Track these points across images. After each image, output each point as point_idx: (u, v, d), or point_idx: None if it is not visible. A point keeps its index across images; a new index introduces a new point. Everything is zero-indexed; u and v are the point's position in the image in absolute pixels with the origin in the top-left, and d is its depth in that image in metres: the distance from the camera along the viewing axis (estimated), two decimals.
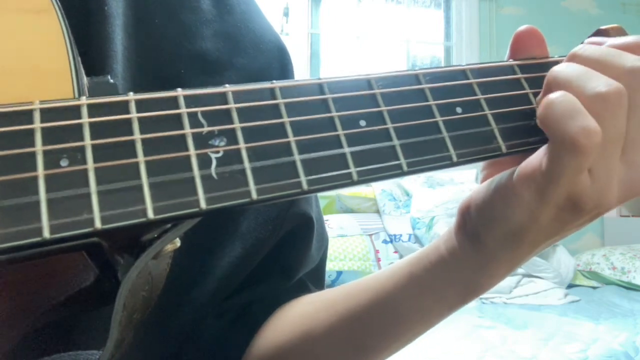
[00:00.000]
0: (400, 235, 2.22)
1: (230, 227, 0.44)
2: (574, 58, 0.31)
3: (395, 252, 2.23)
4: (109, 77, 0.27)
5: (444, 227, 2.15)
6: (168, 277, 0.34)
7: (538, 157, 0.29)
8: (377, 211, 2.38)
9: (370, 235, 2.24)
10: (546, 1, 2.97)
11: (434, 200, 2.28)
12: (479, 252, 0.33)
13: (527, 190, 0.29)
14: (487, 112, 0.31)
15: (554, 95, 0.28)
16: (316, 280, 0.51)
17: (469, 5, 2.89)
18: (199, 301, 0.43)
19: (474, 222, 0.33)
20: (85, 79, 0.27)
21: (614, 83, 0.28)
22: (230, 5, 0.46)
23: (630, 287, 2.16)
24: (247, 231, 0.44)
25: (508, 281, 2.07)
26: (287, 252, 0.47)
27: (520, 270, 2.16)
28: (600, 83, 0.28)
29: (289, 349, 0.42)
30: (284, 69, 0.48)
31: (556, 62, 0.32)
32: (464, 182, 2.43)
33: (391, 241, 2.24)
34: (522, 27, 0.34)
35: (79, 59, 0.27)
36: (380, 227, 2.28)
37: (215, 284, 0.43)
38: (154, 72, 0.40)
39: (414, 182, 2.44)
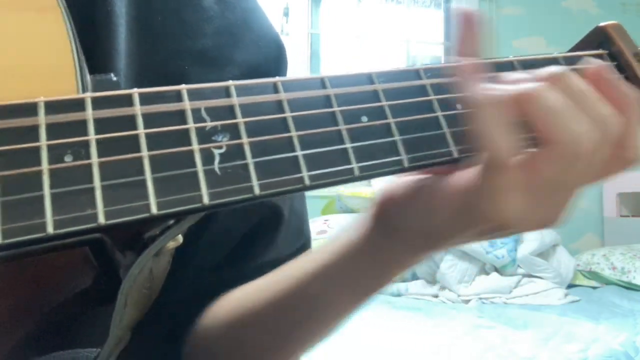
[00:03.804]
0: None
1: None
2: (557, 82, 0.29)
3: None
4: (112, 75, 0.27)
5: None
6: None
7: (473, 173, 0.29)
8: None
9: None
10: (546, 1, 2.97)
11: None
12: (396, 243, 0.33)
13: (457, 202, 0.29)
14: None
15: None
16: None
17: (469, 6, 2.89)
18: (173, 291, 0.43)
19: (394, 216, 0.33)
20: (88, 77, 0.27)
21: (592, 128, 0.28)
22: (232, 2, 0.46)
23: (630, 287, 2.16)
24: (215, 221, 0.44)
25: (508, 281, 2.07)
26: (254, 244, 0.47)
27: (520, 270, 2.16)
28: (584, 124, 0.28)
29: (221, 335, 0.41)
30: (278, 68, 0.48)
31: (554, 60, 0.32)
32: None
33: None
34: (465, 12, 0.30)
35: (83, 57, 0.28)
36: None
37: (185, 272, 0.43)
38: (157, 70, 0.41)
39: None
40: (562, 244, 2.34)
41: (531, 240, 2.20)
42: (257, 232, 0.47)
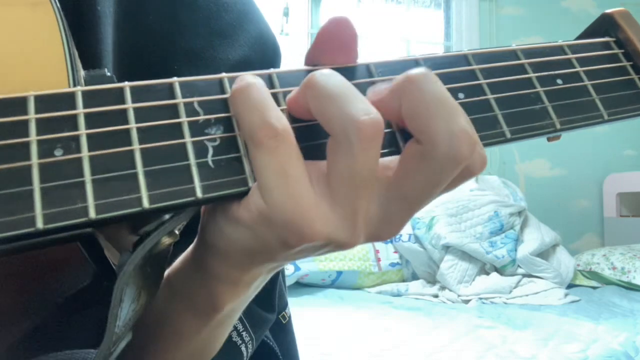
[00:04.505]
0: (400, 235, 2.22)
1: None
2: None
3: (395, 252, 2.23)
4: (106, 70, 0.27)
5: (444, 227, 2.15)
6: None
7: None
8: None
9: None
10: (546, 1, 2.97)
11: (434, 200, 2.27)
12: (214, 258, 0.30)
13: (248, 215, 0.26)
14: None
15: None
16: None
17: (469, 5, 2.89)
18: None
19: (207, 230, 0.30)
20: (82, 72, 0.27)
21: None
22: (228, 4, 0.46)
23: (630, 287, 2.15)
24: None
25: (508, 281, 2.07)
26: None
27: (520, 270, 2.16)
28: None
29: None
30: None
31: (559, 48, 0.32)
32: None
33: (391, 241, 2.23)
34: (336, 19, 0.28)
35: (75, 51, 0.27)
36: None
37: None
38: (146, 70, 0.40)
39: None
40: (562, 244, 2.34)
41: (531, 240, 2.19)
42: None
